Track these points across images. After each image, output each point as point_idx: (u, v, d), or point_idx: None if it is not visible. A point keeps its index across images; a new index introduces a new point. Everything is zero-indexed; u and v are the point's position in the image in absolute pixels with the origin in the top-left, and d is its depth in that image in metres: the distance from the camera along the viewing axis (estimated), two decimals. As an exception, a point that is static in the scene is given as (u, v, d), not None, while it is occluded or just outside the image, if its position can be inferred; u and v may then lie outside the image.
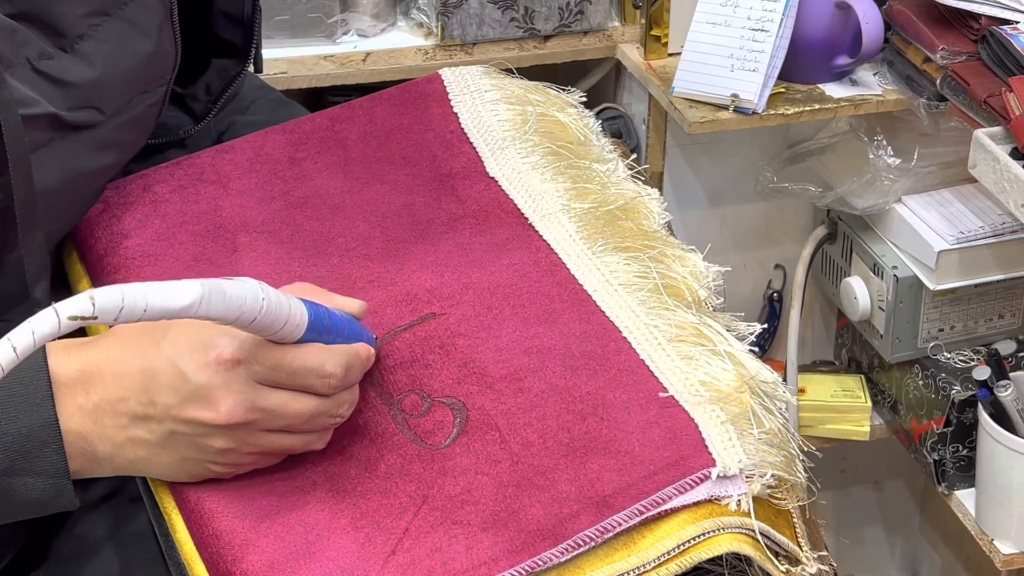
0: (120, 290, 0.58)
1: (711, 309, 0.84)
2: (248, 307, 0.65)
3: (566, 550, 0.68)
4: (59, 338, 0.60)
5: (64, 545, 0.82)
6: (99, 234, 0.87)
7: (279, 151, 0.92)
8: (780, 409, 0.77)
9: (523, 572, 0.67)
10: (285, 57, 1.39)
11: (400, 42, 1.43)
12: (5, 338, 0.57)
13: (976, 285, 1.45)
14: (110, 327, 0.73)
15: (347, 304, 0.76)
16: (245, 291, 0.65)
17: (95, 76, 0.80)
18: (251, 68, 1.00)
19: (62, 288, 0.88)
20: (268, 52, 1.38)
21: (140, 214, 0.88)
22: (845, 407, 1.58)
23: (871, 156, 1.43)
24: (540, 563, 0.68)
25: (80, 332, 0.82)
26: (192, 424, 0.71)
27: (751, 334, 0.81)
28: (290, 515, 0.71)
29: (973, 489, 1.44)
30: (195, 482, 0.73)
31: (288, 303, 0.68)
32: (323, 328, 0.72)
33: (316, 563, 0.68)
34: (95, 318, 0.58)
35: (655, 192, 0.92)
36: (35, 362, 0.71)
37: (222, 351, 0.70)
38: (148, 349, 0.71)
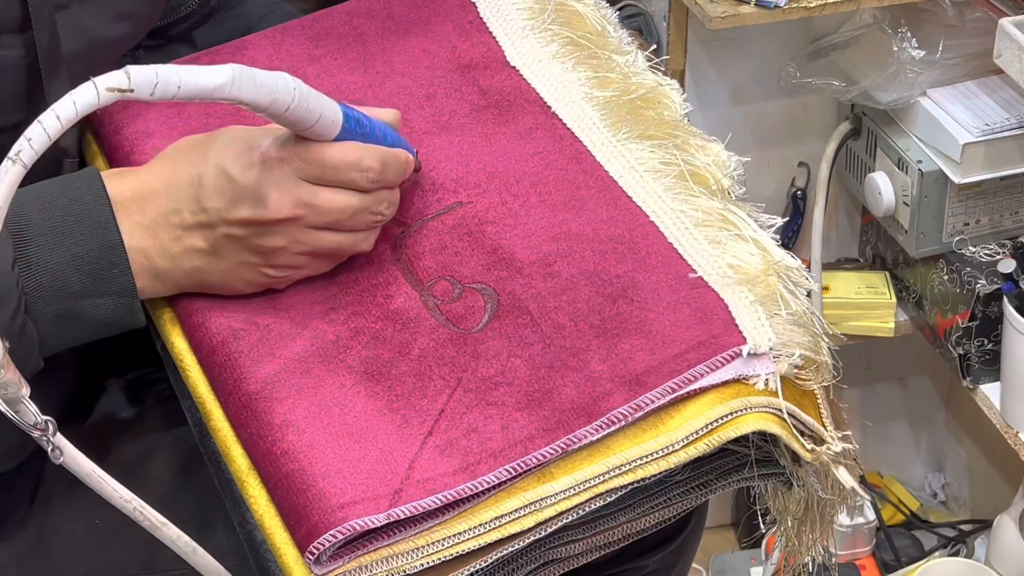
0: (154, 68, 0.62)
1: (733, 198, 0.84)
2: (280, 95, 0.68)
3: (600, 427, 0.69)
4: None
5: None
6: (125, 132, 0.87)
7: (298, 48, 0.92)
8: (803, 294, 0.78)
9: (558, 450, 0.68)
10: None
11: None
12: (50, 109, 0.60)
13: (1002, 178, 1.44)
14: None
15: (382, 114, 0.78)
16: (277, 80, 0.68)
17: None
18: None
19: None
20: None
21: (164, 115, 0.88)
22: (870, 304, 1.58)
23: (895, 49, 1.41)
24: (575, 440, 0.69)
25: None
26: (243, 225, 0.73)
27: (771, 227, 0.81)
28: (327, 397, 0.72)
29: (998, 383, 1.45)
30: (233, 367, 0.74)
31: (321, 100, 0.71)
32: (360, 132, 0.74)
33: (355, 443, 0.69)
34: (131, 91, 0.61)
35: (675, 83, 0.91)
36: (95, 188, 0.74)
37: (266, 150, 0.73)
38: (196, 160, 0.74)
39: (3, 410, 0.61)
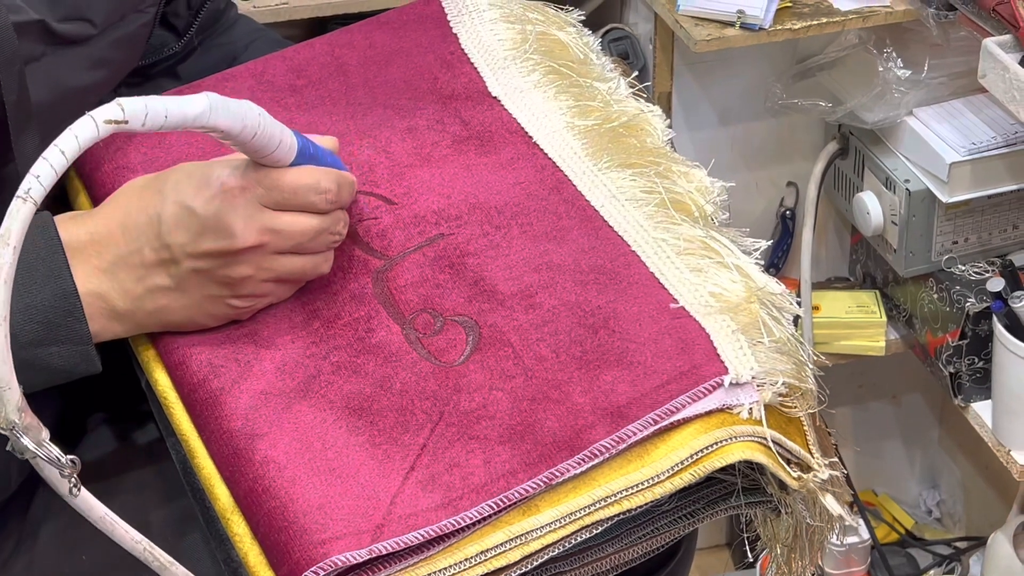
0: (143, 100, 0.64)
1: (717, 224, 0.84)
2: (249, 121, 0.70)
3: (583, 460, 0.69)
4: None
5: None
6: (105, 168, 0.87)
7: (280, 79, 0.92)
8: (788, 320, 0.78)
9: (541, 484, 0.68)
10: (286, -11, 1.39)
11: (401, -31, 1.42)
12: (53, 145, 0.61)
13: (989, 196, 1.44)
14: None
15: (323, 141, 0.79)
16: (244, 107, 0.70)
17: None
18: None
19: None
20: (269, -16, 1.37)
21: (145, 148, 0.88)
22: (860, 323, 1.58)
23: (881, 69, 1.41)
24: (557, 474, 0.68)
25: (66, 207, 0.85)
26: (209, 257, 0.74)
27: (756, 250, 0.81)
28: (308, 432, 0.72)
29: (990, 401, 1.45)
30: (214, 404, 0.74)
31: (279, 126, 0.73)
32: (311, 155, 0.76)
33: (337, 479, 0.69)
34: (126, 122, 0.63)
35: (657, 109, 0.92)
36: (48, 235, 0.74)
37: (226, 180, 0.73)
38: (151, 199, 0.74)
39: (33, 451, 0.61)
